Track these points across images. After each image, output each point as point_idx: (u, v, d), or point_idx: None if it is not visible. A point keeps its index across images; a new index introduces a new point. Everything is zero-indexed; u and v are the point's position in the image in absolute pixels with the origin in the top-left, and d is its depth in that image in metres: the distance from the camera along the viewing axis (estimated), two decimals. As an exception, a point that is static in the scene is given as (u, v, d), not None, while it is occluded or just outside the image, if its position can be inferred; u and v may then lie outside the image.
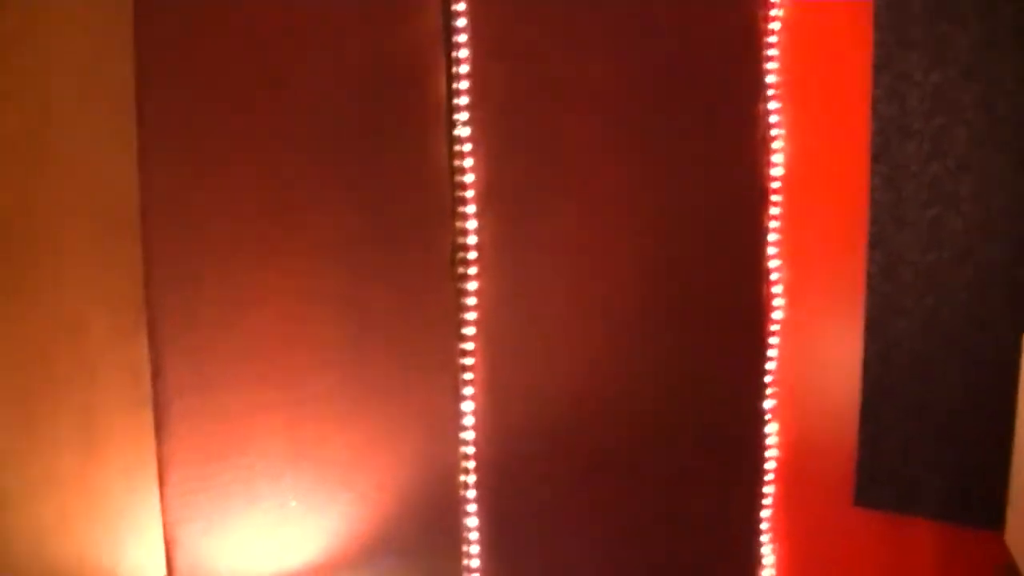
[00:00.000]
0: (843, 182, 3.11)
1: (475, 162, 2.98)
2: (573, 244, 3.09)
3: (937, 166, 2.98)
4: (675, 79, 3.12)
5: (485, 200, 2.99)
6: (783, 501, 3.30)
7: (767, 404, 3.25)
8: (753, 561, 3.32)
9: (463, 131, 2.97)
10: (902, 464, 3.09)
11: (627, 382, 3.16)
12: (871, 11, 3.01)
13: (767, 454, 3.27)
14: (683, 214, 3.15)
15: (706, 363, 3.20)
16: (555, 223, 3.07)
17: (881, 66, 3.03)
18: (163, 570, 2.81)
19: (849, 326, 3.12)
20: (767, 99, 3.16)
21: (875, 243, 3.06)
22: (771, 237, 3.19)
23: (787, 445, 3.27)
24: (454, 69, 2.94)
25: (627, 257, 3.12)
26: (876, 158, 3.04)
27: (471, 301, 3.03)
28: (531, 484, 3.12)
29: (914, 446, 3.07)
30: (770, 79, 3.16)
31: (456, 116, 2.96)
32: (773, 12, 3.13)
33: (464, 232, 3.00)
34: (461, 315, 3.03)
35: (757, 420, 3.25)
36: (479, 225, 3.00)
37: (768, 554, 3.32)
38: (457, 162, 2.97)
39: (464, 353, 3.04)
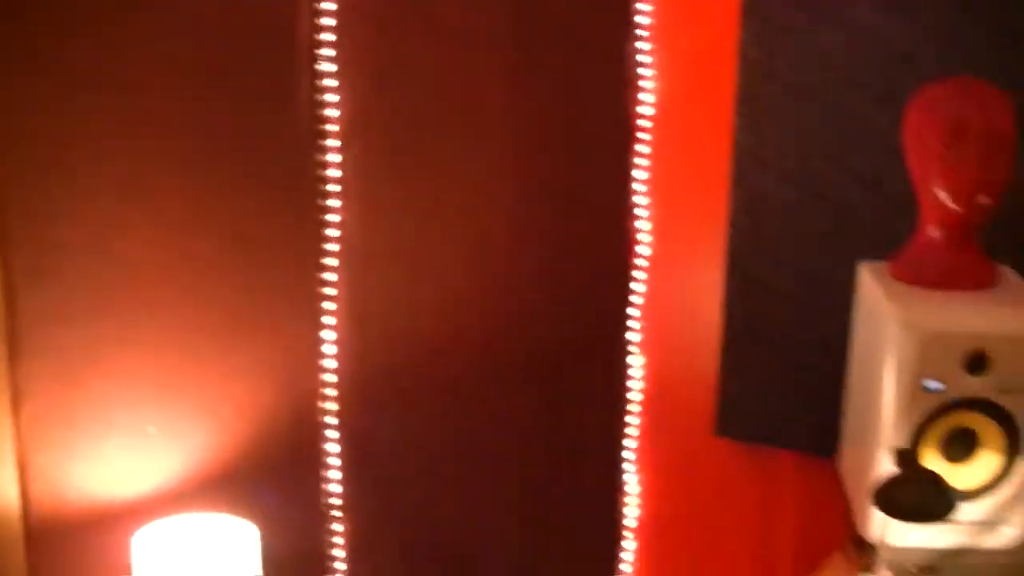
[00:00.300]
0: (710, 122, 3.16)
1: (340, 95, 3.02)
2: (439, 176, 3.14)
3: (799, 108, 3.04)
4: (548, 16, 3.16)
5: (350, 132, 3.03)
6: (648, 432, 3.38)
7: (633, 337, 3.31)
8: (618, 490, 3.40)
9: (326, 65, 3.00)
10: (761, 397, 3.18)
11: (492, 311, 3.23)
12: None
13: (632, 386, 3.34)
14: (552, 150, 3.20)
15: (573, 295, 3.27)
16: (422, 154, 3.13)
17: (748, 10, 3.07)
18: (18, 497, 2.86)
19: (713, 262, 3.18)
20: (637, 38, 3.20)
21: (738, 181, 3.12)
22: (638, 175, 3.24)
23: (653, 377, 3.34)
24: (318, 4, 2.97)
25: (495, 189, 3.18)
26: (741, 99, 3.10)
27: (333, 232, 3.07)
28: (393, 408, 3.20)
29: (773, 379, 3.15)
30: (641, 19, 3.19)
31: (320, 51, 2.99)
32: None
33: (326, 164, 3.04)
34: (323, 244, 3.07)
35: (623, 352, 3.32)
36: (343, 157, 3.04)
37: (633, 484, 3.40)
38: (320, 96, 3.01)
39: (325, 283, 3.09)
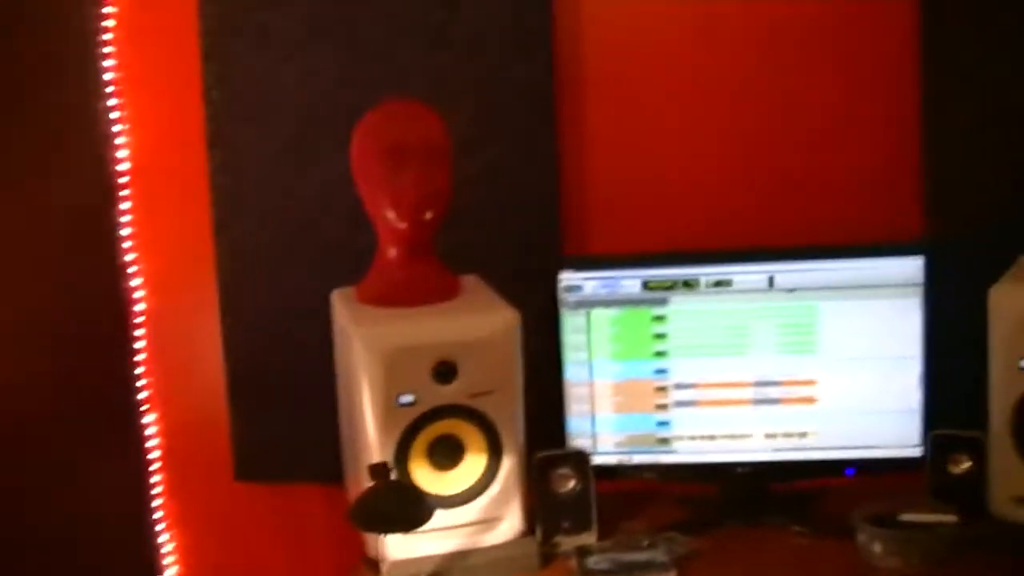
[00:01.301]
0: (187, 170, 3.16)
1: None
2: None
3: (267, 146, 3.09)
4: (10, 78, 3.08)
5: None
6: (172, 489, 3.34)
7: (141, 396, 3.27)
8: (153, 551, 3.34)
9: None
10: (273, 436, 3.20)
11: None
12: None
13: (149, 444, 3.30)
14: (29, 226, 3.09)
15: (72, 366, 3.16)
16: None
17: (209, 54, 3.10)
18: None
19: (209, 310, 3.19)
20: (107, 96, 3.16)
21: (219, 227, 3.14)
22: (125, 232, 3.20)
23: (167, 433, 3.31)
24: None
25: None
26: (212, 144, 3.12)
27: None
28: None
29: (281, 417, 3.19)
30: (108, 75, 3.17)
31: None
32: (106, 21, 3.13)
33: None
34: None
35: (133, 412, 3.27)
36: None
37: (167, 541, 3.36)
38: None
39: None
